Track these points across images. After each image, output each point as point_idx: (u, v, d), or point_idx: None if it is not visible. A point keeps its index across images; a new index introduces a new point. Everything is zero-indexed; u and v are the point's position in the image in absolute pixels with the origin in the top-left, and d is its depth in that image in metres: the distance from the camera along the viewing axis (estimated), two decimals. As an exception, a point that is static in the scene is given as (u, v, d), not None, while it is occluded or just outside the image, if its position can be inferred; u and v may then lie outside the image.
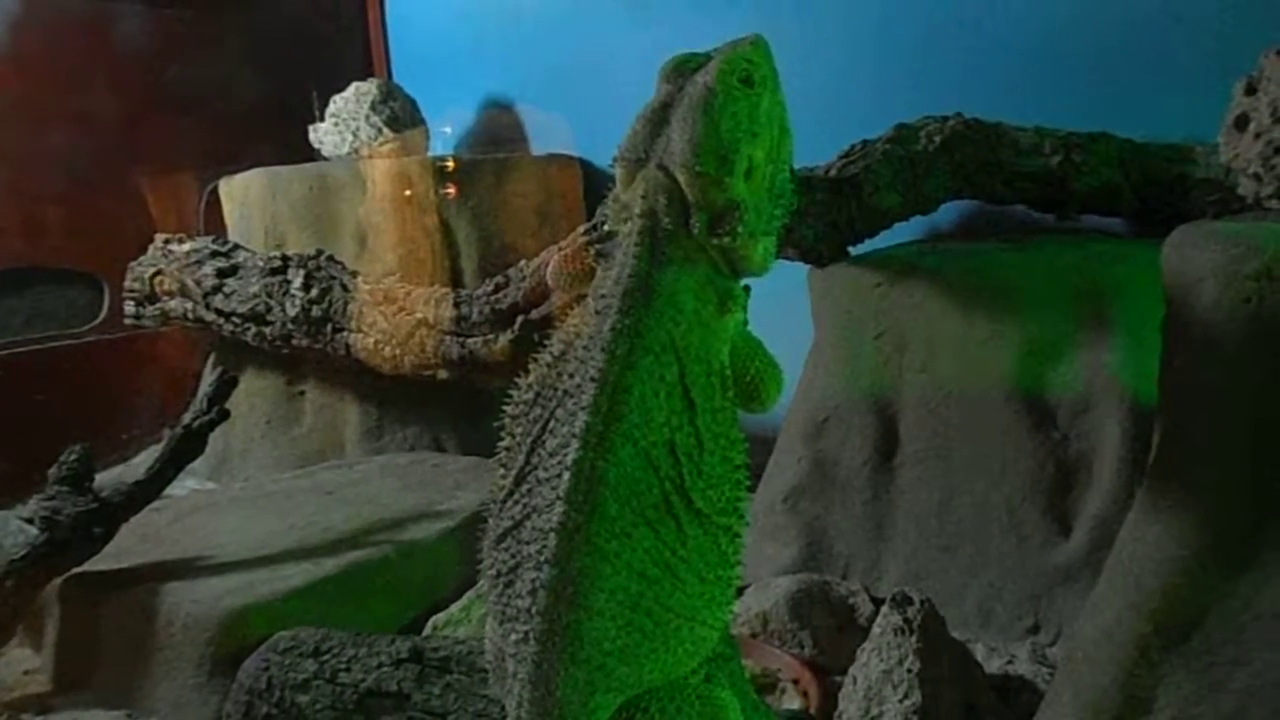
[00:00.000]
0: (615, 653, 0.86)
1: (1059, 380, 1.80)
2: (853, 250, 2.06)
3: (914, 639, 1.40)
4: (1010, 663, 1.70)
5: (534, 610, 0.85)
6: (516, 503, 0.90)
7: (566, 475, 0.85)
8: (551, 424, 0.89)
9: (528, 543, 0.87)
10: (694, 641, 0.91)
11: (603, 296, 0.92)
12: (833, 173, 1.96)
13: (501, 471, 0.94)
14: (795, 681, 1.62)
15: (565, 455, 0.86)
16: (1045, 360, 1.81)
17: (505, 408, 0.96)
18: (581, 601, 0.85)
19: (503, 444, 0.95)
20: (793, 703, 1.58)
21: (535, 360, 0.96)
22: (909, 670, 1.38)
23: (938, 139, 1.97)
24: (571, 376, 0.90)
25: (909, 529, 1.88)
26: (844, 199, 1.95)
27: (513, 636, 0.87)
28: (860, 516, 1.92)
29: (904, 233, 2.10)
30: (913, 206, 2.02)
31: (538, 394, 0.93)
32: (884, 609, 1.46)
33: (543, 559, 0.85)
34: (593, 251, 0.97)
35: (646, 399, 0.88)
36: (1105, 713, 1.00)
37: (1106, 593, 1.10)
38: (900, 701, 1.36)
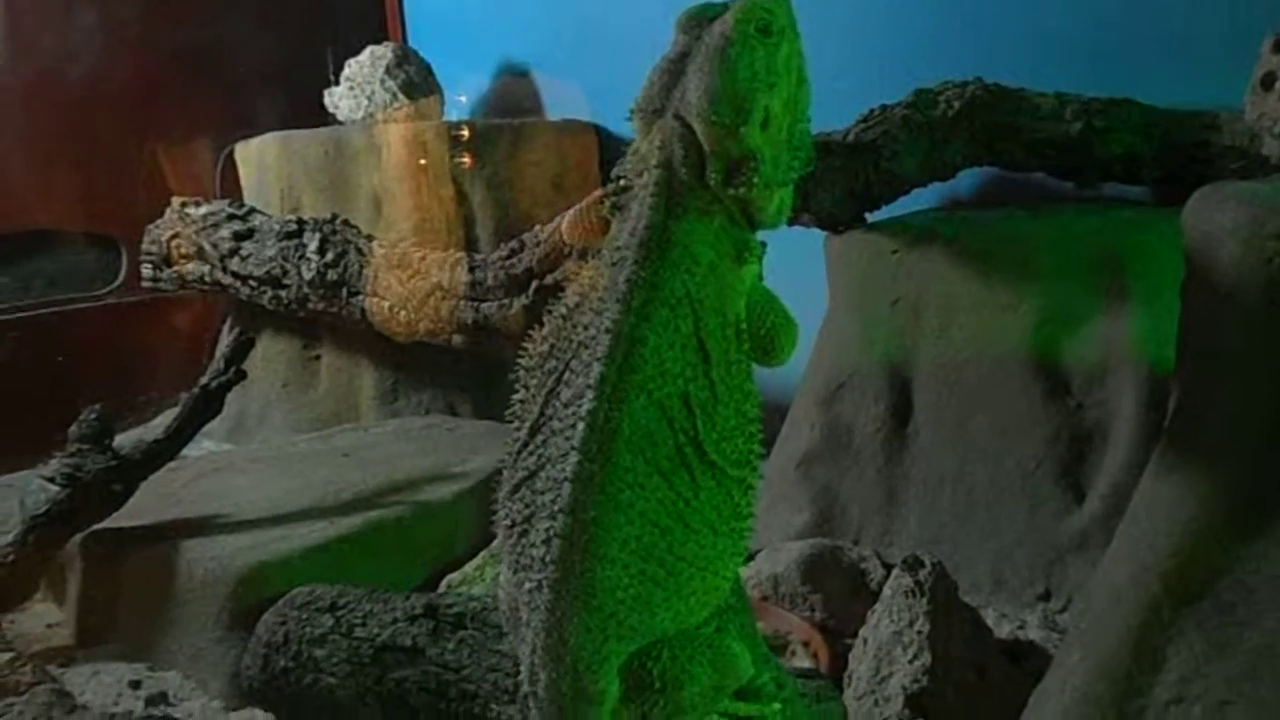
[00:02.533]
0: (628, 601, 0.87)
1: (1076, 348, 1.79)
2: (870, 217, 2.04)
3: (925, 601, 1.40)
4: (1021, 628, 1.71)
5: (548, 559, 0.86)
6: (531, 453, 0.91)
7: (581, 426, 0.86)
8: (566, 375, 0.90)
9: (542, 492, 0.88)
10: (706, 591, 0.91)
11: (618, 248, 0.92)
12: (850, 138, 1.94)
13: (516, 423, 0.95)
14: (805, 644, 1.63)
15: (580, 406, 0.87)
16: (1062, 328, 1.80)
17: (519, 360, 0.97)
18: (595, 550, 0.85)
19: (517, 396, 0.96)
20: (803, 664, 1.59)
21: (549, 313, 0.96)
22: (919, 632, 1.39)
23: (957, 104, 1.95)
24: (586, 328, 0.90)
25: (922, 495, 1.88)
26: (861, 164, 1.94)
27: (526, 585, 0.88)
28: (873, 482, 1.92)
29: (922, 200, 2.09)
30: (931, 173, 2.00)
31: (552, 346, 0.93)
32: (895, 571, 1.47)
33: (557, 508, 0.86)
34: (607, 205, 0.96)
35: (661, 350, 0.88)
36: (1114, 671, 1.01)
37: (1119, 553, 1.10)
38: (910, 662, 1.37)
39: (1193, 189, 1.26)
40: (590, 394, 0.86)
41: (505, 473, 0.95)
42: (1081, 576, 1.70)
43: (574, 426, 0.87)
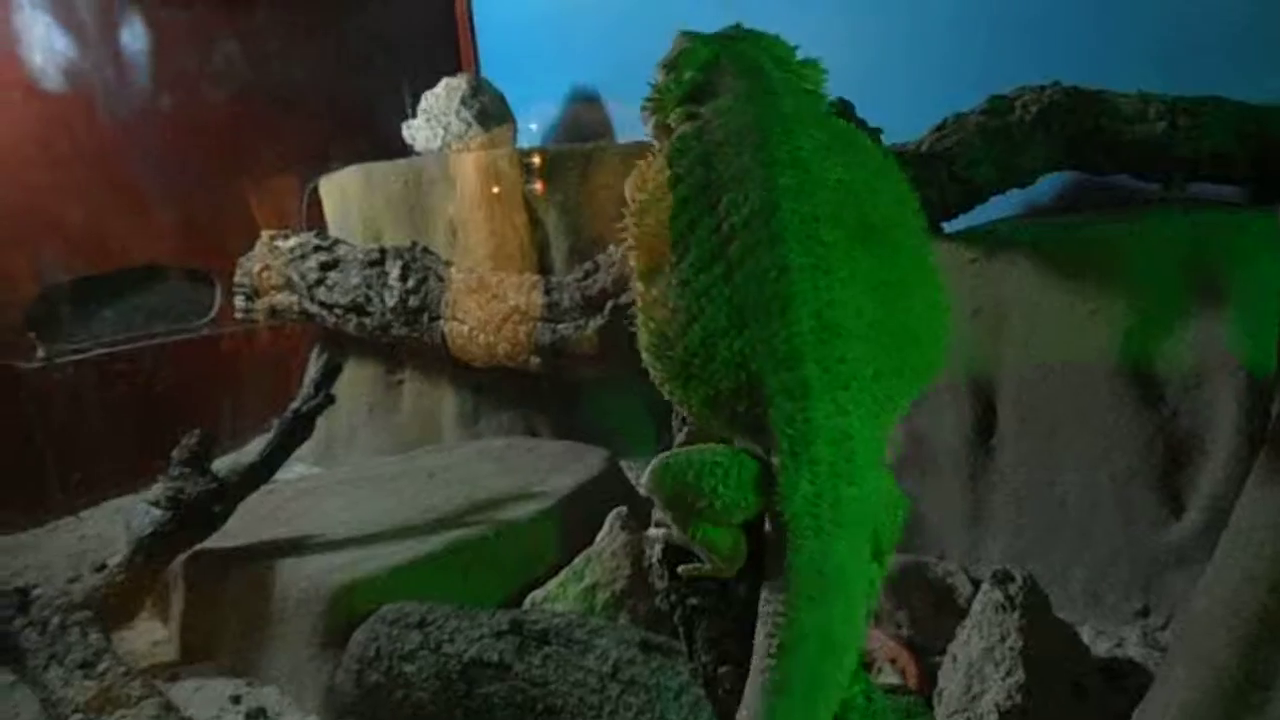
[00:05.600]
0: (872, 373, 0.89)
1: (1168, 354, 1.73)
2: (947, 227, 2.01)
3: (1016, 615, 1.37)
4: (1119, 646, 1.65)
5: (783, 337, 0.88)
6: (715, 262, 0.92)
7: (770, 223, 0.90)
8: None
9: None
10: (927, 365, 0.93)
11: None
12: (924, 147, 1.92)
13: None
14: (892, 661, 1.60)
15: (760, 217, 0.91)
16: (1153, 334, 1.75)
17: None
18: (836, 327, 0.88)
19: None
20: (891, 682, 1.56)
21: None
22: (1011, 648, 1.35)
23: (1034, 109, 1.91)
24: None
25: (1009, 509, 1.83)
26: (936, 174, 1.91)
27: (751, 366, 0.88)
28: (958, 497, 1.88)
29: (1000, 208, 2.05)
30: (1008, 180, 1.96)
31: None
32: (984, 585, 1.44)
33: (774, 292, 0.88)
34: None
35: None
36: (1224, 686, 0.97)
37: (1224, 562, 1.06)
38: (1003, 679, 1.34)
39: (1290, 186, 1.22)
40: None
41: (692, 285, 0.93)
42: (1182, 591, 1.63)
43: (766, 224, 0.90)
